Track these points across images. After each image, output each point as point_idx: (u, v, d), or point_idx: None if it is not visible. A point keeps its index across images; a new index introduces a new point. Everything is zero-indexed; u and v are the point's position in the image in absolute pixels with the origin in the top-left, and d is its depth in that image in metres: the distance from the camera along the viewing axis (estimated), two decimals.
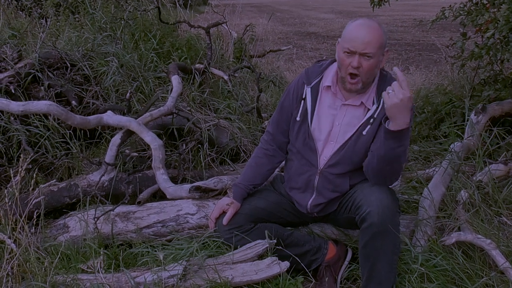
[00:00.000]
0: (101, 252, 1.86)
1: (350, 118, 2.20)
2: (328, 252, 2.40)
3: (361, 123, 2.17)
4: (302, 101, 2.27)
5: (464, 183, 2.67)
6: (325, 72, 2.28)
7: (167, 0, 5.08)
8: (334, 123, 2.22)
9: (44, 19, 5.09)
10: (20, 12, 5.57)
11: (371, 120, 2.15)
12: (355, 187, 2.24)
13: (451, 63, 4.00)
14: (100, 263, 1.99)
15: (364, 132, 2.16)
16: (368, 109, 2.17)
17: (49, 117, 3.08)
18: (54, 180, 2.53)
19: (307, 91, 2.26)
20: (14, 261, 2.01)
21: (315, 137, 2.24)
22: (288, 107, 2.34)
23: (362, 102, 2.18)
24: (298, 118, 2.28)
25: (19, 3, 5.89)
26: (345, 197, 2.28)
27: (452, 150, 2.93)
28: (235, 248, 2.28)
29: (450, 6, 3.22)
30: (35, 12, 5.38)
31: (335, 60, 2.24)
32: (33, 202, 2.13)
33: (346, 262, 2.44)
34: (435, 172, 2.94)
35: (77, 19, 4.91)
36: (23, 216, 2.07)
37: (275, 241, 2.25)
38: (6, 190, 2.18)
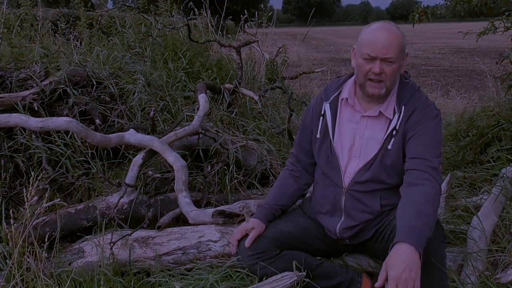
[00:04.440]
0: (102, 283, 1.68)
1: (372, 131, 2.04)
2: (362, 286, 2.16)
3: (385, 137, 2.00)
4: (321, 117, 2.16)
5: None
6: (343, 86, 2.15)
7: (200, 22, 5.02)
8: (355, 138, 2.07)
9: (79, 41, 5.10)
10: (58, 36, 5.61)
11: (394, 132, 1.99)
12: (393, 212, 2.00)
13: (500, 83, 3.71)
14: None
15: (389, 146, 2.00)
16: (390, 120, 2.01)
17: (72, 135, 2.98)
18: (58, 200, 2.38)
19: (326, 107, 2.15)
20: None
21: (338, 153, 2.09)
22: (308, 125, 2.23)
23: (380, 112, 2.02)
24: (318, 136, 2.16)
25: (56, 27, 5.96)
26: (382, 225, 2.06)
27: (504, 175, 2.64)
28: (260, 279, 2.06)
29: (501, 15, 2.96)
30: (71, 34, 5.40)
31: (353, 74, 2.11)
32: (30, 228, 1.97)
33: None
34: (482, 200, 2.66)
35: (110, 41, 4.90)
36: (21, 238, 1.89)
37: (304, 273, 2.02)
38: (11, 210, 2.02)
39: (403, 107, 2.00)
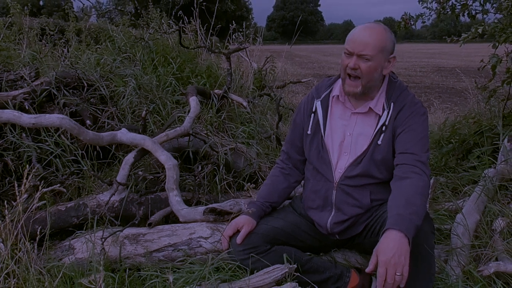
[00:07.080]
0: (101, 269, 1.70)
1: (362, 127, 2.12)
2: (350, 280, 2.21)
3: (374, 132, 2.08)
4: (312, 114, 2.23)
5: (501, 210, 2.47)
6: (334, 84, 2.24)
7: (190, 29, 5.08)
8: (345, 134, 2.14)
9: (66, 48, 5.11)
10: (44, 42, 5.60)
11: (384, 128, 2.07)
12: (383, 207, 2.06)
13: (481, 91, 3.84)
14: (101, 279, 1.80)
15: (379, 142, 2.07)
16: (379, 116, 2.09)
17: (61, 135, 2.99)
18: (58, 185, 2.38)
19: (317, 104, 2.22)
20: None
21: (329, 149, 2.16)
22: (299, 123, 2.30)
23: (370, 108, 2.10)
24: (309, 132, 2.22)
25: (43, 33, 5.95)
26: (372, 219, 2.12)
27: (486, 175, 2.74)
28: (252, 272, 2.10)
29: (482, 22, 3.09)
30: (58, 40, 5.40)
31: None
32: (23, 220, 1.98)
33: None
34: (465, 202, 2.74)
35: (97, 49, 4.92)
36: (14, 233, 1.90)
37: (295, 266, 2.07)
38: (5, 201, 2.03)
39: (392, 104, 2.07)
